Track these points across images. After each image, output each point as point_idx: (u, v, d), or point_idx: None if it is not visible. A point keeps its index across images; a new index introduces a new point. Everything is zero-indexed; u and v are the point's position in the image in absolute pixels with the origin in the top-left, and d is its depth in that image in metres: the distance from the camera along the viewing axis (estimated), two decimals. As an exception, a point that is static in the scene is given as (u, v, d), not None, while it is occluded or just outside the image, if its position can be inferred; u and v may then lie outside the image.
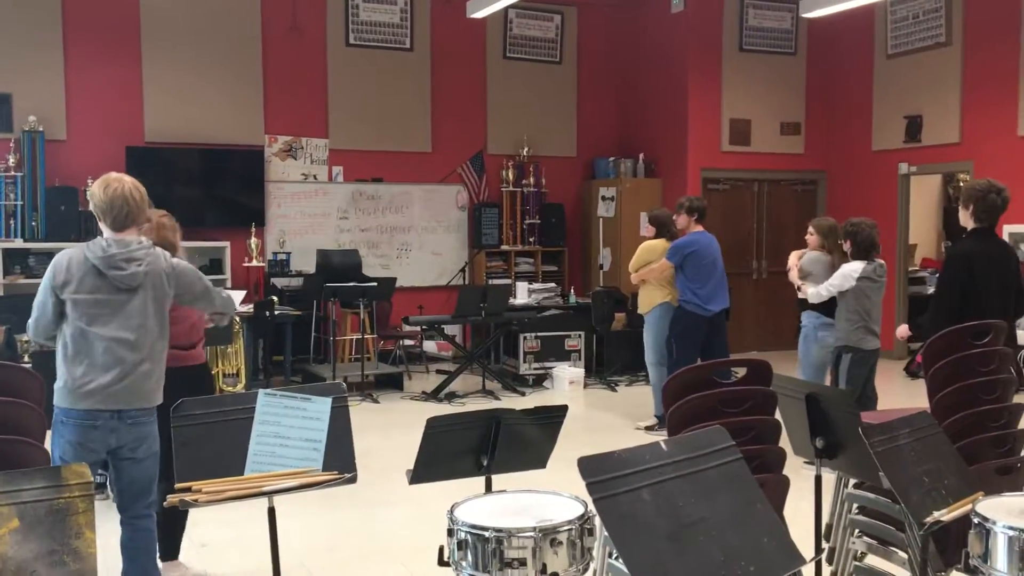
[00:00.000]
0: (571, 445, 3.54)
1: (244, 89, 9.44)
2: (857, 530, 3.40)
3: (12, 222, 8.43)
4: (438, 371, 9.23)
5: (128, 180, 3.33)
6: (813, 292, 5.66)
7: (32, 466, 2.43)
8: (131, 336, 3.21)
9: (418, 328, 9.10)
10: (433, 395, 8.00)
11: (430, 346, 9.92)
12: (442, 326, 8.75)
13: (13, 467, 2.26)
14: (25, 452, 2.53)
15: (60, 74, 8.75)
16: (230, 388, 7.77)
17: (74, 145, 8.76)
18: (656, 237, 6.96)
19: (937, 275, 4.83)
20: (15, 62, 8.54)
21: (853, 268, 5.47)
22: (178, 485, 2.53)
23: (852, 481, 3.41)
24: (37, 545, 1.98)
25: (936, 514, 2.41)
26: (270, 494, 2.64)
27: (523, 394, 8.21)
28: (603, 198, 10.54)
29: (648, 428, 6.74)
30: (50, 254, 8.89)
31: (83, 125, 8.82)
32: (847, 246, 5.54)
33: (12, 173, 8.39)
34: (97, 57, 8.86)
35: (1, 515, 1.99)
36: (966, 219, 4.59)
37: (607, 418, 7.27)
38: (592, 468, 1.80)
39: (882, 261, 5.58)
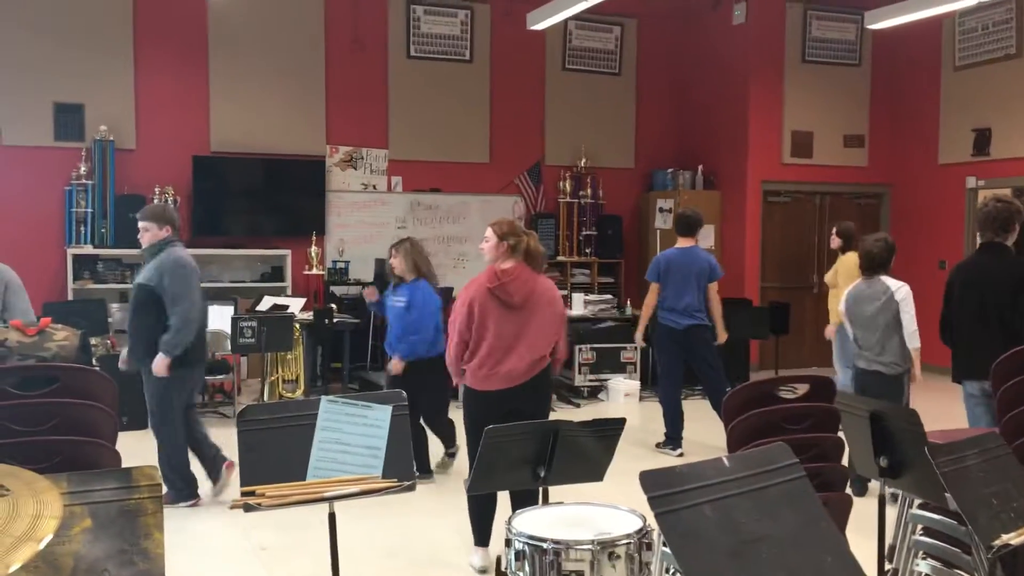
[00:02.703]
0: (626, 458, 3.54)
1: (307, 100, 9.61)
2: (921, 552, 3.33)
3: (83, 229, 8.67)
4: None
5: None
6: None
7: (104, 468, 2.50)
8: None
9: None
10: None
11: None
12: (498, 336, 8.76)
13: (86, 468, 2.32)
14: (98, 454, 2.61)
15: (130, 85, 9.00)
16: (289, 394, 7.89)
17: (143, 154, 8.99)
18: (844, 249, 6.97)
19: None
20: (88, 73, 8.80)
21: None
22: (242, 488, 2.58)
23: (917, 501, 3.34)
24: (108, 544, 2.04)
25: (1005, 537, 2.35)
26: (331, 500, 2.67)
27: (578, 406, 8.19)
28: (661, 210, 10.48)
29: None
30: (118, 260, 9.16)
31: (152, 135, 9.05)
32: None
33: (83, 181, 8.64)
34: (166, 68, 9.10)
35: (74, 514, 2.05)
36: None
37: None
38: (654, 482, 1.79)
39: (882, 278, 5.27)
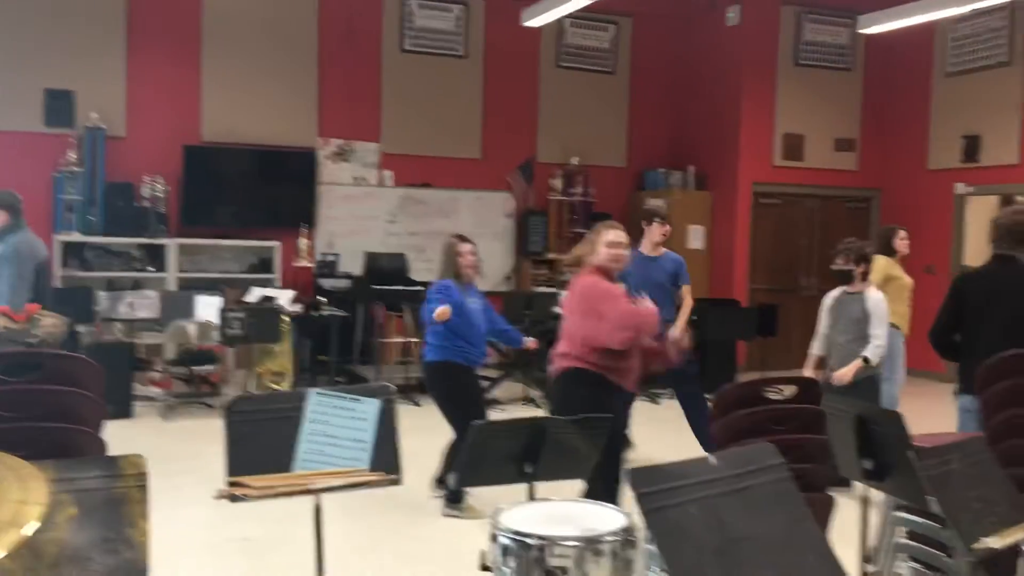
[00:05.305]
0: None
1: (300, 92, 9.58)
2: (903, 555, 3.35)
3: (71, 216, 8.63)
4: (483, 377, 9.25)
5: None
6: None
7: (89, 455, 2.50)
8: None
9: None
10: (475, 401, 8.01)
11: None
12: (486, 332, 8.75)
13: (72, 456, 2.32)
14: (83, 441, 2.60)
15: (122, 73, 8.96)
16: (276, 386, 7.87)
17: (133, 142, 8.95)
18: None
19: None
20: (79, 60, 8.76)
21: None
22: (229, 479, 2.58)
23: (900, 504, 3.36)
24: (93, 532, 2.03)
25: (986, 541, 2.37)
26: (317, 492, 2.67)
27: (565, 403, 8.18)
28: (651, 209, 10.49)
29: None
30: (107, 248, 9.13)
31: (143, 123, 9.01)
32: (860, 269, 5.26)
33: (73, 168, 8.59)
34: (158, 57, 9.06)
35: (60, 502, 2.04)
36: None
37: (648, 431, 7.23)
38: (642, 480, 1.80)
39: (847, 287, 5.26)
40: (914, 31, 9.29)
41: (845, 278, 5.24)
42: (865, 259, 5.22)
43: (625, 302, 4.03)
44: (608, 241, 4.13)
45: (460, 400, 5.03)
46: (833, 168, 10.58)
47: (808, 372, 5.30)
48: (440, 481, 5.23)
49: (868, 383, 5.16)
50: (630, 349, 4.04)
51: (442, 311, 4.87)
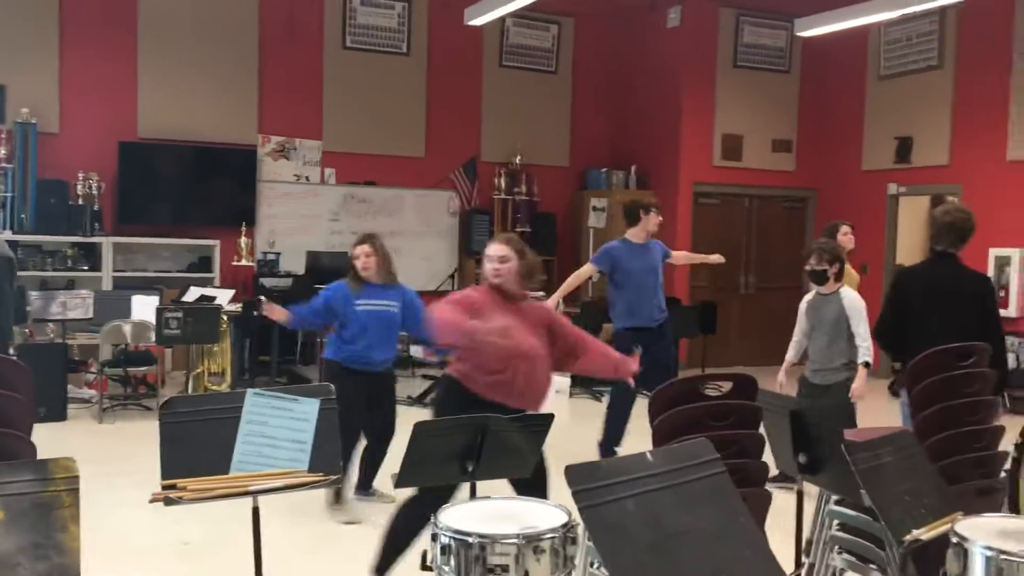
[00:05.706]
0: (555, 454, 3.57)
1: (239, 88, 9.45)
2: (837, 547, 3.42)
3: (1, 214, 8.39)
4: (424, 376, 9.23)
5: None
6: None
7: (18, 459, 2.43)
8: None
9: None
10: (418, 400, 8.00)
11: (416, 351, 9.89)
12: (430, 331, 8.73)
13: (0, 459, 2.25)
14: (11, 445, 2.53)
15: (55, 67, 8.74)
16: (215, 387, 7.76)
17: (67, 138, 8.74)
18: None
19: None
20: (10, 54, 8.51)
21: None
22: (164, 482, 2.54)
23: (834, 497, 3.43)
24: (21, 538, 1.98)
25: (915, 532, 2.43)
26: (255, 494, 2.64)
27: (508, 402, 8.20)
28: (594, 209, 10.57)
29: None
30: (39, 247, 8.89)
31: (76, 119, 8.80)
32: (834, 269, 5.16)
33: (3, 165, 8.36)
34: (93, 51, 8.85)
35: (-14, 507, 1.99)
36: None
37: (590, 428, 7.28)
38: (579, 477, 1.81)
39: (820, 288, 5.20)
40: (848, 35, 9.49)
41: (819, 278, 5.12)
42: (839, 259, 5.13)
43: (441, 308, 3.70)
44: (487, 255, 3.96)
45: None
46: (771, 168, 10.77)
47: (782, 377, 5.22)
48: (361, 487, 5.20)
49: (840, 387, 5.02)
50: (506, 366, 3.63)
51: (272, 312, 5.13)
